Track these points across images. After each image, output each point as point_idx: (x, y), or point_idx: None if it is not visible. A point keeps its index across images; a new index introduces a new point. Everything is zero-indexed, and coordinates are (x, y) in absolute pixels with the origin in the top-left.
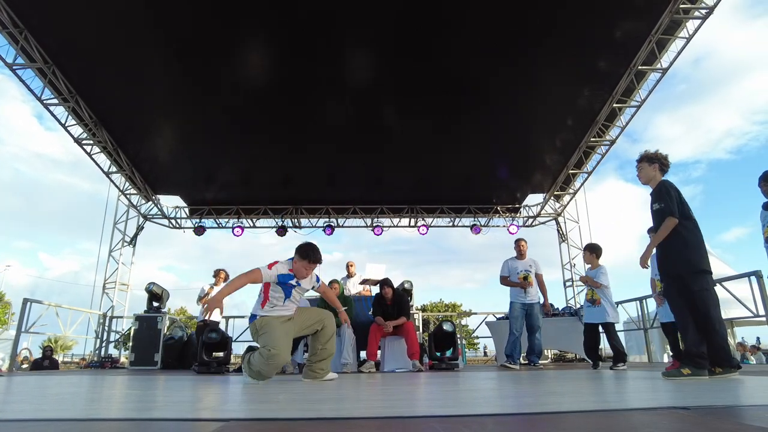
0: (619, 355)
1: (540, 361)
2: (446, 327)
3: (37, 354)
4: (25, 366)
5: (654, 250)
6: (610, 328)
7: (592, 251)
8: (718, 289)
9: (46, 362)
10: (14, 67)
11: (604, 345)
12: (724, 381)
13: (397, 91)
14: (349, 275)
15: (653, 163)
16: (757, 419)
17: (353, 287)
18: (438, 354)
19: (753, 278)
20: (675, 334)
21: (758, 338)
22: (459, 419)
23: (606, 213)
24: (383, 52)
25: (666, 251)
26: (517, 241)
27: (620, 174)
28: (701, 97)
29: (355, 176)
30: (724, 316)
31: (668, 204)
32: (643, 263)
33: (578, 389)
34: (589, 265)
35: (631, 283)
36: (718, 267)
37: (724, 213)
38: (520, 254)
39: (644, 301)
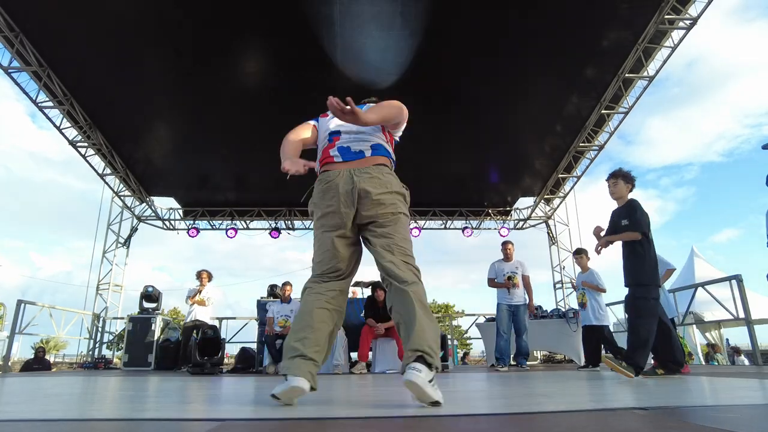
0: (616, 354)
1: (528, 363)
2: None
3: (21, 355)
4: None
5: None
6: (602, 331)
7: (584, 254)
8: (700, 292)
9: (36, 365)
10: (9, 70)
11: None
12: (679, 382)
13: (391, 95)
14: None
15: (629, 182)
16: (705, 419)
17: None
18: None
19: (734, 282)
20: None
21: (727, 339)
22: (435, 419)
23: (599, 215)
24: (380, 54)
25: (634, 267)
26: (504, 244)
27: None
28: (694, 100)
29: None
30: (710, 317)
31: (641, 223)
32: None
33: (553, 391)
34: (580, 269)
35: (621, 285)
36: (706, 270)
37: (715, 215)
38: (507, 257)
39: None
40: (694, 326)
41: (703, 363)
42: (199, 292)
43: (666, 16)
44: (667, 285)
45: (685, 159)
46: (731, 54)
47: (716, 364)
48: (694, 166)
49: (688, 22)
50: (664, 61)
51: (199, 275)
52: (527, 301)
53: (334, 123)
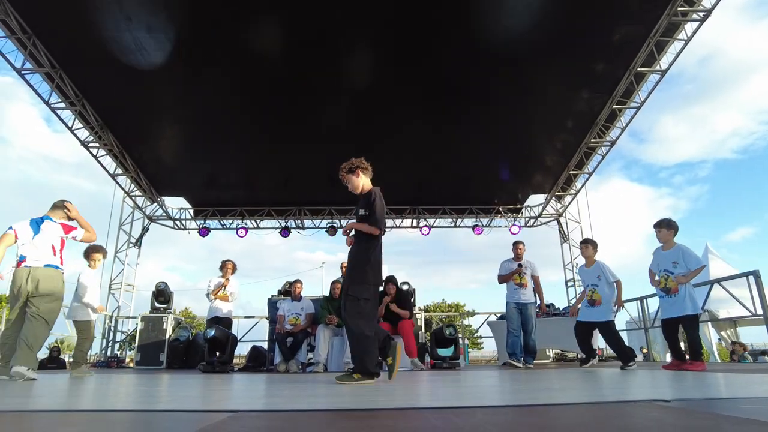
0: (629, 354)
1: (540, 361)
2: (447, 332)
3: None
4: None
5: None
6: (612, 326)
7: (590, 244)
8: (716, 289)
9: (50, 364)
10: (23, 72)
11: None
12: (699, 377)
13: (398, 92)
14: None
15: (353, 171)
16: (730, 410)
17: None
18: (440, 353)
19: (751, 278)
20: (674, 333)
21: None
22: (451, 410)
23: (611, 212)
24: (383, 53)
25: (353, 263)
26: (515, 244)
27: (625, 174)
28: (707, 96)
29: None
30: (725, 315)
31: (379, 219)
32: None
33: (570, 385)
34: (584, 261)
35: (633, 282)
36: (720, 268)
37: (730, 212)
38: (517, 257)
39: (645, 300)
40: (709, 324)
41: (719, 361)
42: (224, 286)
43: (679, 8)
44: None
45: (698, 156)
46: (745, 50)
47: (747, 362)
48: (708, 163)
49: (701, 13)
50: (677, 55)
51: (223, 266)
52: (538, 301)
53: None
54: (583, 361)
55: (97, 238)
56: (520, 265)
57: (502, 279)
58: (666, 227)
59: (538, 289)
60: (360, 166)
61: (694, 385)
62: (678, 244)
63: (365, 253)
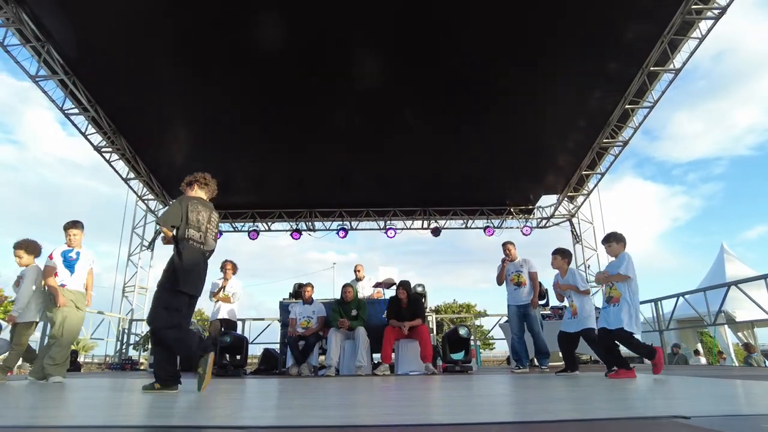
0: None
1: (552, 363)
2: (462, 332)
3: None
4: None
5: None
6: (590, 335)
7: (558, 254)
8: (734, 291)
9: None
10: (37, 79)
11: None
12: (719, 386)
13: (409, 94)
14: (358, 279)
15: (191, 186)
16: (751, 429)
17: (362, 290)
18: (452, 356)
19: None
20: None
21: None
22: (462, 427)
23: (623, 211)
24: (394, 54)
25: (163, 270)
26: (504, 245)
27: (638, 172)
28: (722, 93)
29: (368, 179)
30: (743, 314)
31: (167, 216)
32: None
33: (582, 395)
34: (558, 271)
35: (646, 284)
36: (737, 268)
37: (747, 210)
38: (509, 258)
39: (660, 302)
40: (726, 326)
41: (736, 364)
42: (223, 288)
43: (693, 6)
44: (694, 284)
45: (713, 153)
46: (761, 45)
47: (754, 365)
48: (723, 160)
49: (716, 11)
50: (691, 53)
51: (222, 267)
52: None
53: None
54: (561, 369)
55: (50, 277)
56: (503, 261)
57: (497, 279)
58: (615, 241)
59: (533, 285)
60: (197, 181)
61: (712, 398)
62: (624, 252)
63: (171, 260)
